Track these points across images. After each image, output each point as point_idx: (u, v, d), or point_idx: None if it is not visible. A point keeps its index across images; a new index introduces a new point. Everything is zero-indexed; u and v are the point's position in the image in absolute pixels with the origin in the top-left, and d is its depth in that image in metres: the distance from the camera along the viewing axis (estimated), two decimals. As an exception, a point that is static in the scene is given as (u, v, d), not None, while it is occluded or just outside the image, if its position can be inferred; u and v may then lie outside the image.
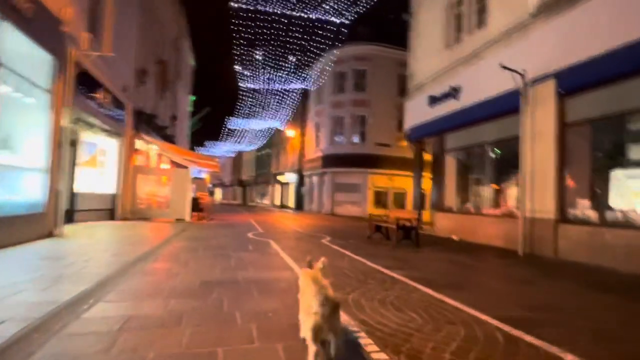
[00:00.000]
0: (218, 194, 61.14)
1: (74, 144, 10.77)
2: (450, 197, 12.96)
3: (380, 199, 28.22)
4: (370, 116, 27.90)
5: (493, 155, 11.46)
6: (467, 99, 11.46)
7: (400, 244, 9.16)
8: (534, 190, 8.61)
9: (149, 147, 16.83)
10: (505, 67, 8.39)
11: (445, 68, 12.85)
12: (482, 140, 11.57)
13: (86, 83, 9.97)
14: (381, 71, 27.96)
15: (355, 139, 28.48)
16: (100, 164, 12.96)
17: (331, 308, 2.26)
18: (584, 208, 7.86)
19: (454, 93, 12.13)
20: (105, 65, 11.31)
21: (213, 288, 4.29)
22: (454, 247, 9.60)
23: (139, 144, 15.64)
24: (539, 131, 8.54)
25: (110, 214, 13.08)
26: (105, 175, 13.11)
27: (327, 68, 28.76)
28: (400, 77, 28.28)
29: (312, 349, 2.29)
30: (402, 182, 27.73)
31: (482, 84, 10.77)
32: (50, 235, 7.82)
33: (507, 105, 9.68)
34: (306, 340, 2.35)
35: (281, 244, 8.73)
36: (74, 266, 4.86)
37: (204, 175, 43.27)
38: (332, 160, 28.60)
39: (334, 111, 29.24)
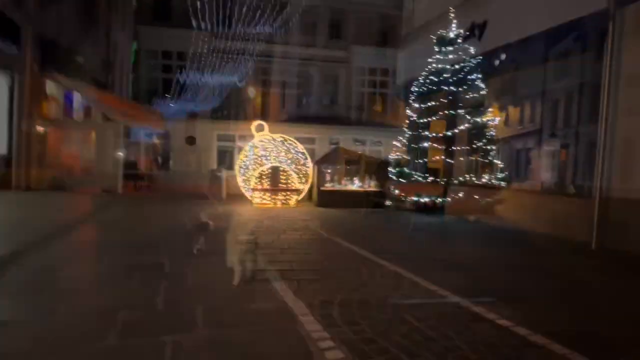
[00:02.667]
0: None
1: None
2: (459, 166, 10.39)
3: (351, 168, 25.56)
4: (347, 74, 24.58)
5: (519, 112, 8.96)
6: (496, 38, 8.74)
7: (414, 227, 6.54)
8: (613, 158, 6.13)
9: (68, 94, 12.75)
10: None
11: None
12: (510, 94, 8.99)
13: None
14: (361, 22, 24.42)
15: (326, 100, 25.17)
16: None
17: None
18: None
19: (476, 32, 9.33)
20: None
21: None
22: (486, 235, 7.09)
23: (50, 87, 11.59)
24: (630, 72, 5.95)
25: (5, 183, 9.31)
26: (-6, 129, 9.25)
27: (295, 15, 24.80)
28: (383, 30, 25.11)
29: None
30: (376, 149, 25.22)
31: (520, 15, 8.04)
32: None
33: (561, 43, 7.09)
34: None
35: (260, 240, 5.54)
36: None
37: (156, 140, 38.37)
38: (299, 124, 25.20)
39: (303, 68, 25.55)
